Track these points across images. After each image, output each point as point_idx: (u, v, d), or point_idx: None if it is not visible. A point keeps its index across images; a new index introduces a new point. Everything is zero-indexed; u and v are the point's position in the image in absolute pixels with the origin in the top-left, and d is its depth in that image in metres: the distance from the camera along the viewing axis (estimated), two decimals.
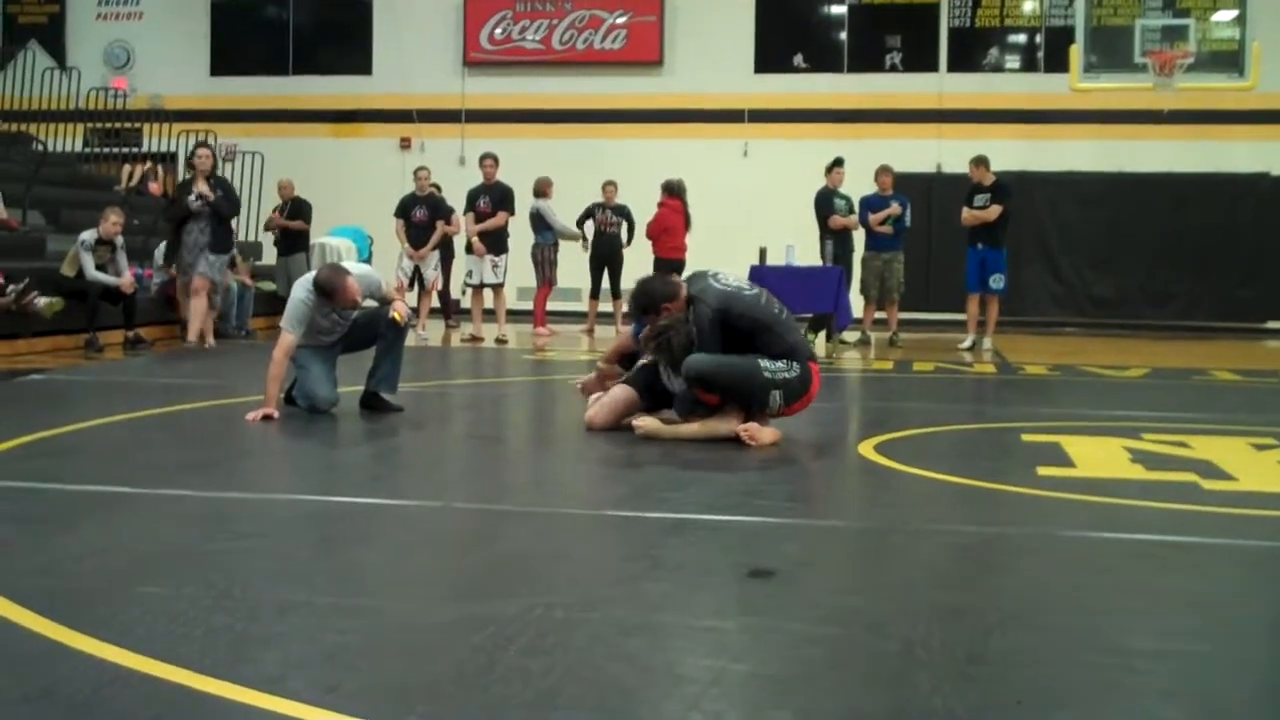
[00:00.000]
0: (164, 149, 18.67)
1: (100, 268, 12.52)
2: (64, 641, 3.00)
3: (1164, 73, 15.48)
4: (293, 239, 16.56)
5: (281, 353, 7.32)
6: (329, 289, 7.37)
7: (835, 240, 14.58)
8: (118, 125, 19.05)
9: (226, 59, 21.68)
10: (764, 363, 6.56)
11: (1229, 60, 15.78)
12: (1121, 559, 4.22)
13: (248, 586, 3.56)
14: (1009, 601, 3.70)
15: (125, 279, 12.61)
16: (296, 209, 16.67)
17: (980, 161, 14.32)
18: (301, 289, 7.47)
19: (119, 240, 12.78)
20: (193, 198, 12.92)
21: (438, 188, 15.66)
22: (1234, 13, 16.05)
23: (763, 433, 6.49)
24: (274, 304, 16.55)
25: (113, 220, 12.67)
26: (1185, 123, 18.30)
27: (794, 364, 6.61)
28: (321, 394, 7.48)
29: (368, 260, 16.61)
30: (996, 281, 14.16)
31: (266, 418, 7.11)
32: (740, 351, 6.60)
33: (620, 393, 7.03)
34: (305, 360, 7.54)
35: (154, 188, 17.69)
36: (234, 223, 17.77)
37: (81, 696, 2.68)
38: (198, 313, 12.84)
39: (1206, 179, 19.10)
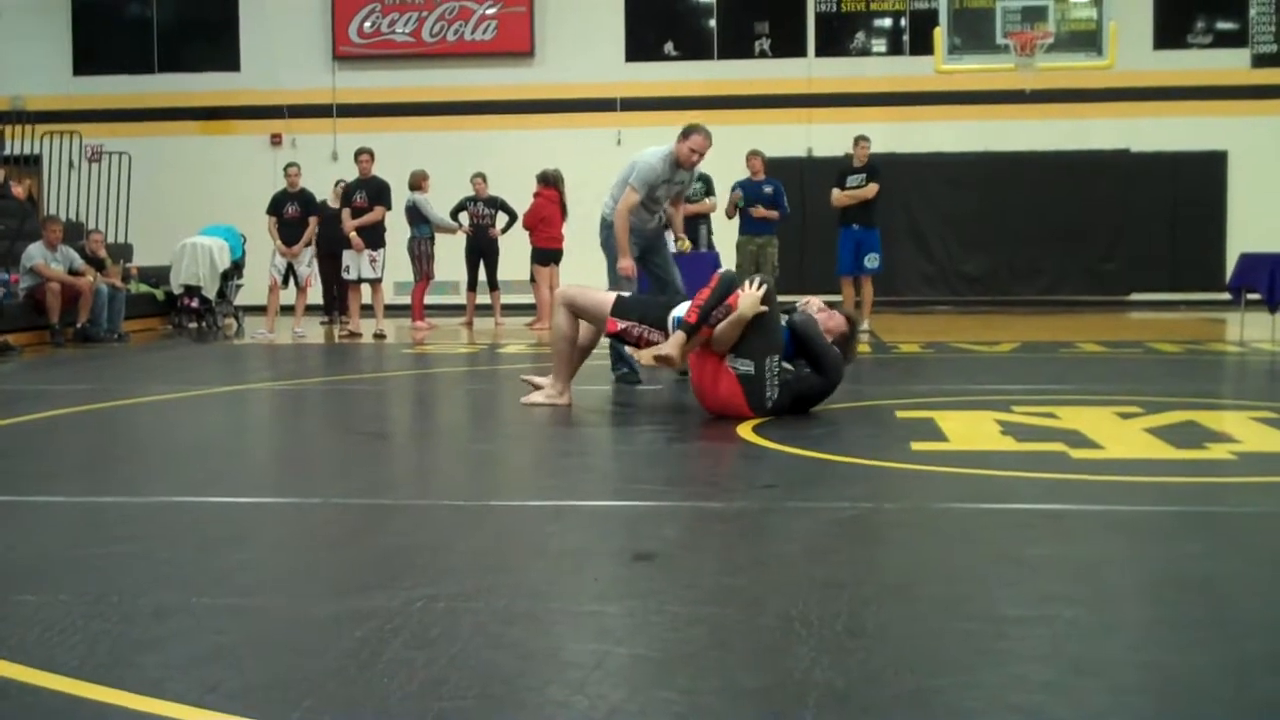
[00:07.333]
0: (27, 151, 18.26)
1: None
2: None
3: (1025, 53, 15.76)
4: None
5: (626, 207, 8.37)
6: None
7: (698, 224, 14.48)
8: None
9: (90, 58, 21.25)
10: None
11: (1088, 40, 16.10)
12: (994, 529, 4.31)
13: (125, 591, 3.51)
14: (885, 574, 3.78)
15: None
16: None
17: (864, 140, 14.44)
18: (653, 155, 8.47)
19: None
20: None
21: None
22: None
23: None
24: (150, 306, 16.29)
25: None
26: (1047, 102, 18.75)
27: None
28: None
29: (240, 260, 16.41)
30: (872, 261, 14.23)
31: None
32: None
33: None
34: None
35: (17, 191, 17.26)
36: (111, 224, 17.52)
37: None
38: None
39: (1069, 156, 19.56)
